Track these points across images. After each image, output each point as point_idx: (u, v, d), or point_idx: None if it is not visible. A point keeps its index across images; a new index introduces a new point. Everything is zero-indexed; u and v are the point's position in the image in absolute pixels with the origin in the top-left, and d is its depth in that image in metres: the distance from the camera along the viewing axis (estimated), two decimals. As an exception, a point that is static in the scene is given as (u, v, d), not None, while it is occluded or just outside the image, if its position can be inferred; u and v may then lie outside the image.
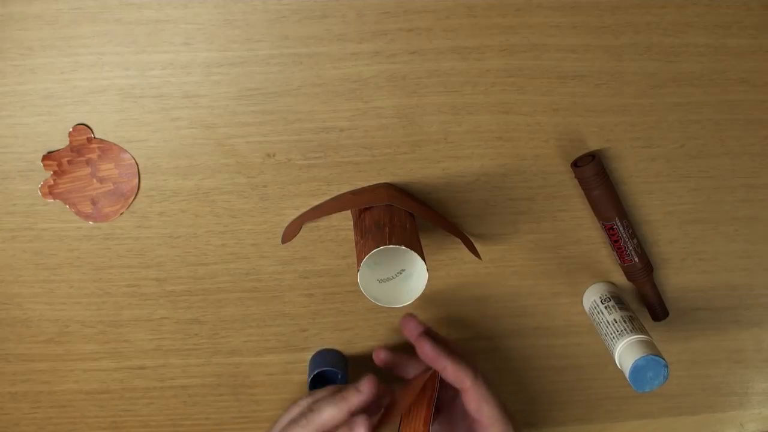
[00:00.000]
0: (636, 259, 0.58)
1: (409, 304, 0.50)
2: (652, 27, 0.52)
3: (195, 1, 0.49)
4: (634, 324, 0.56)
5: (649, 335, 0.55)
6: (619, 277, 0.61)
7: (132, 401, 0.63)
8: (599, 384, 0.66)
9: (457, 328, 0.62)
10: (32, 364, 0.61)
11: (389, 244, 0.46)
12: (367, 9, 0.50)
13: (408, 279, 0.50)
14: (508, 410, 0.54)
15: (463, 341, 0.63)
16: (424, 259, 0.47)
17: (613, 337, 0.56)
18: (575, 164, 0.55)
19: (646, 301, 0.60)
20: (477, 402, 0.53)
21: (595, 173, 0.55)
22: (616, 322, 0.57)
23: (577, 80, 0.53)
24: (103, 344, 0.61)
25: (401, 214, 0.52)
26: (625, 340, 0.55)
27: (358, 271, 0.47)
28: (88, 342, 0.60)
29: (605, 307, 0.59)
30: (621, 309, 0.58)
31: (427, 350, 0.54)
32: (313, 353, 0.63)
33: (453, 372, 0.53)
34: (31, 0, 0.48)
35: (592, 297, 0.60)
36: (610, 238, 0.57)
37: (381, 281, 0.50)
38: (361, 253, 0.48)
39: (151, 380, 0.62)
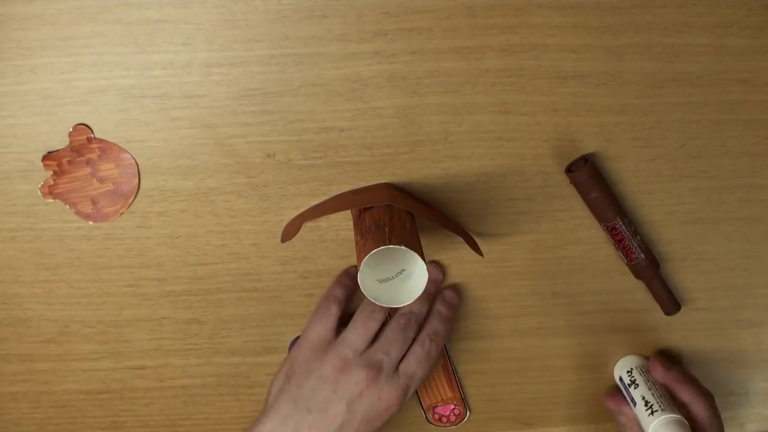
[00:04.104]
0: (642, 256, 0.58)
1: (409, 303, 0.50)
2: (652, 27, 0.52)
3: (195, 1, 0.49)
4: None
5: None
6: (620, 277, 0.61)
7: (132, 401, 0.63)
8: (599, 384, 0.66)
9: (458, 328, 0.62)
10: (32, 364, 0.61)
11: (389, 244, 0.46)
12: (367, 9, 0.50)
13: (408, 279, 0.49)
14: None
15: (463, 341, 0.63)
16: (424, 259, 0.47)
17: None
18: (569, 169, 0.55)
19: (656, 296, 0.60)
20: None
21: (589, 177, 0.55)
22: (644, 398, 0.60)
23: (577, 80, 0.53)
24: (103, 344, 0.61)
25: (401, 214, 0.52)
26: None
27: (358, 271, 0.47)
28: (88, 342, 0.60)
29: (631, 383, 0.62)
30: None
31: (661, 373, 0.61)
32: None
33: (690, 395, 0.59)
34: (31, 0, 0.48)
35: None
36: (613, 238, 0.57)
37: (381, 281, 0.49)
38: (361, 253, 0.48)
39: (151, 380, 0.62)
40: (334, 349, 0.55)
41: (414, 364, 0.55)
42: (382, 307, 0.56)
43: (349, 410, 0.54)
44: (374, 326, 0.56)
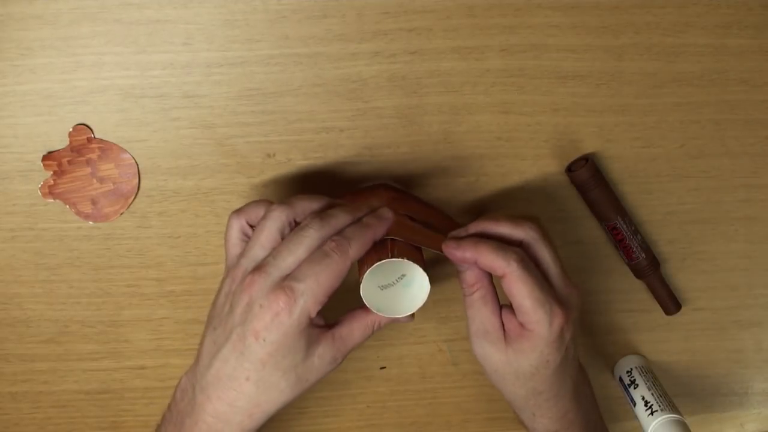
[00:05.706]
0: (643, 255, 0.58)
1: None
2: (652, 27, 0.52)
3: (195, 1, 0.49)
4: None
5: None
6: (620, 277, 0.61)
7: (132, 401, 0.63)
8: (599, 384, 0.66)
9: (458, 328, 0.62)
10: (32, 364, 0.61)
11: (391, 257, 0.46)
12: (367, 9, 0.50)
13: (409, 285, 0.49)
14: (559, 296, 0.48)
15: (463, 341, 0.63)
16: (425, 269, 0.47)
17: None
18: (569, 169, 0.55)
19: (656, 296, 0.60)
20: (510, 290, 0.47)
21: (589, 176, 0.55)
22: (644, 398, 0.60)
23: (577, 80, 0.53)
24: (103, 344, 0.60)
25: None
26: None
27: (360, 277, 0.46)
28: (88, 342, 0.60)
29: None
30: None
31: (452, 252, 0.48)
32: None
33: (486, 265, 0.48)
34: (31, 0, 0.48)
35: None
36: (614, 237, 0.57)
37: (382, 288, 0.49)
38: (362, 264, 0.47)
39: (151, 380, 0.62)
40: (239, 262, 0.47)
41: (305, 266, 0.44)
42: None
43: (241, 321, 0.45)
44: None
